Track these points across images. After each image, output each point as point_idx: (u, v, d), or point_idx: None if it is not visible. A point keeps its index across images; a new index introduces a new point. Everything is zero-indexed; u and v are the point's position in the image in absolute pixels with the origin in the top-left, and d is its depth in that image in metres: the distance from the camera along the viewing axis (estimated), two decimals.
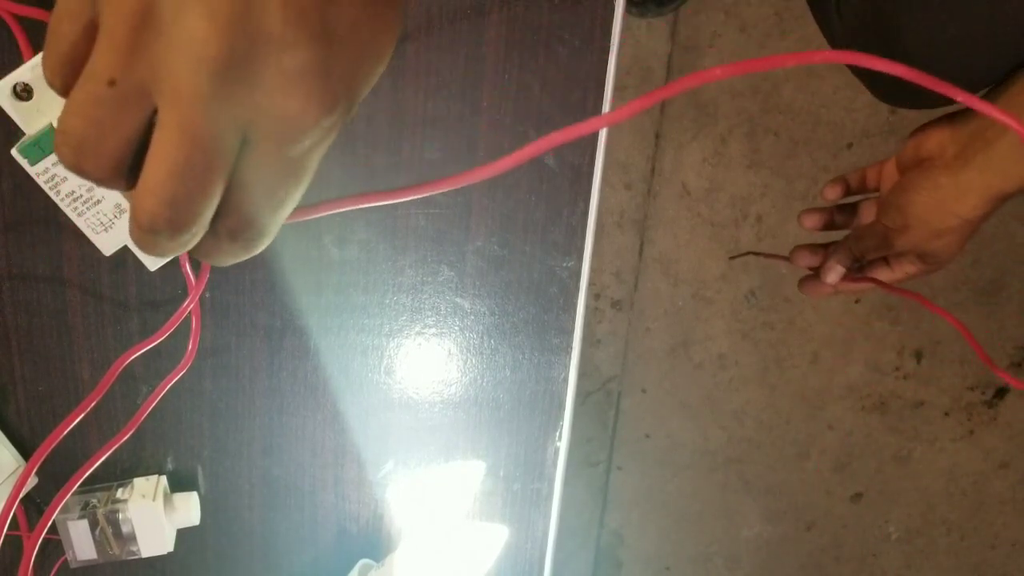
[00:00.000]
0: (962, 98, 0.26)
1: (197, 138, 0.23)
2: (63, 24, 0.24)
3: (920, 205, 0.58)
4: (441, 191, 0.32)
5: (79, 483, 0.45)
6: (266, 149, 0.24)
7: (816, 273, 0.66)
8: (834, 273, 0.64)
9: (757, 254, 0.78)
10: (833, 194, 0.70)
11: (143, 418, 0.48)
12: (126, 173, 0.24)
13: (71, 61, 0.24)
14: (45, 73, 0.24)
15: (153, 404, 0.48)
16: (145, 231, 0.24)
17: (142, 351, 0.46)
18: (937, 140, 0.58)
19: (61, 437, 0.43)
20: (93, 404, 0.43)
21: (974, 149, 0.54)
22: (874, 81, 0.58)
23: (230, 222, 0.25)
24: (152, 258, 0.43)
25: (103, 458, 0.45)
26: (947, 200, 0.56)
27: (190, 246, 0.25)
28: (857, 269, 0.65)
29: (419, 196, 0.32)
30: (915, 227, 0.59)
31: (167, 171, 0.23)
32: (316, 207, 0.34)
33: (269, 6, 0.22)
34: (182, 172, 0.23)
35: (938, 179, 0.56)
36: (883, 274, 0.65)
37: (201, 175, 0.23)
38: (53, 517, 0.44)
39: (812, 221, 0.70)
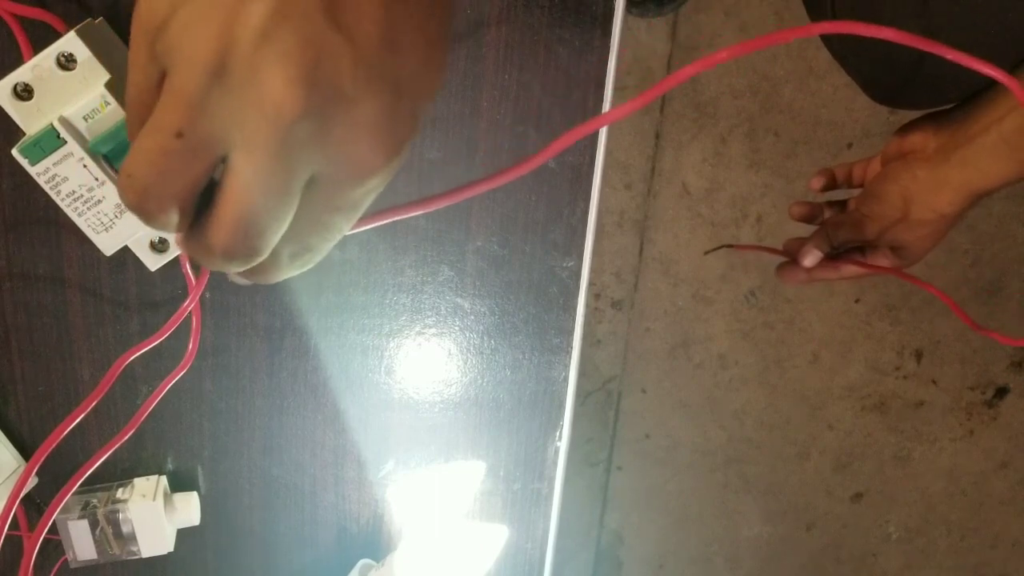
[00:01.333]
0: (952, 56, 0.27)
1: (270, 186, 0.24)
2: (133, 76, 0.25)
3: (897, 195, 0.58)
4: (473, 195, 0.32)
5: (79, 483, 0.45)
6: (333, 192, 0.26)
7: (794, 261, 0.67)
8: (810, 257, 0.64)
9: (732, 247, 0.78)
10: (818, 184, 0.70)
11: (143, 418, 0.48)
12: (189, 213, 0.26)
13: (139, 108, 0.25)
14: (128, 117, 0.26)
15: (153, 404, 0.48)
16: (218, 262, 0.26)
17: (142, 351, 0.46)
18: (920, 135, 0.58)
19: (61, 437, 0.43)
20: (93, 404, 0.43)
21: (955, 144, 0.54)
22: (868, 81, 0.58)
23: (292, 248, 0.27)
24: (152, 258, 0.43)
25: (103, 458, 0.45)
26: (924, 192, 0.57)
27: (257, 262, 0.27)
28: (833, 259, 0.65)
29: (452, 203, 0.32)
30: (890, 217, 0.60)
31: (239, 215, 0.24)
32: (362, 221, 0.34)
33: (342, 65, 0.23)
34: (254, 217, 0.24)
35: (917, 171, 0.57)
36: (856, 267, 0.65)
37: (272, 217, 0.25)
38: (53, 517, 0.44)
39: (799, 211, 0.70)
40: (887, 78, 0.55)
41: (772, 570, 1.75)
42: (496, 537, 0.57)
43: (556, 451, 0.55)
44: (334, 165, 0.25)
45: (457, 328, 0.52)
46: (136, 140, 0.24)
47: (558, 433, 0.55)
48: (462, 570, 0.58)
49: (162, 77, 0.24)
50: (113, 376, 0.44)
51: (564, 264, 0.50)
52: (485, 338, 0.52)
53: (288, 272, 0.29)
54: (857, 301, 1.52)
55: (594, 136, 0.47)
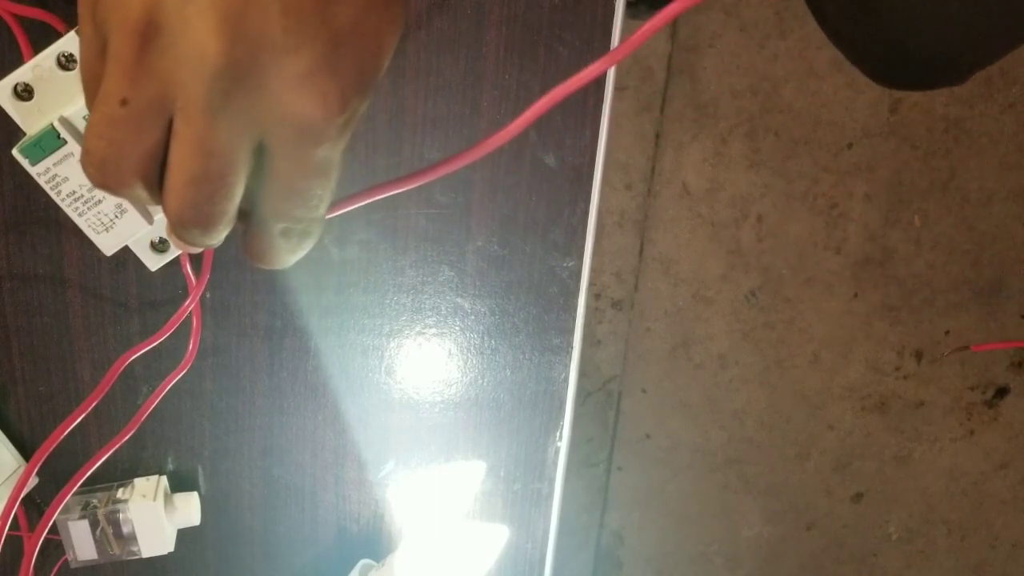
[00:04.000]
0: None
1: (211, 148, 0.23)
2: (82, 51, 0.24)
3: None
4: (454, 169, 0.32)
5: (79, 483, 0.45)
6: (287, 152, 0.25)
7: None
8: None
9: None
10: None
11: (143, 418, 0.48)
12: (153, 184, 0.25)
13: (92, 83, 0.25)
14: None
15: (154, 404, 0.48)
16: (175, 229, 0.25)
17: (142, 351, 0.46)
18: None
19: (61, 437, 0.43)
20: (94, 404, 0.43)
21: None
22: (867, 61, 0.57)
23: (280, 224, 0.27)
24: (153, 257, 0.43)
25: (104, 458, 0.45)
26: None
27: (223, 235, 0.27)
28: None
29: (432, 179, 0.32)
30: None
31: (185, 180, 0.24)
32: (347, 200, 0.34)
33: (269, 14, 0.22)
34: (199, 180, 0.24)
35: None
36: None
37: (218, 181, 0.24)
38: (54, 518, 0.44)
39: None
40: (884, 55, 0.55)
41: (772, 570, 1.75)
42: (496, 537, 0.57)
43: (556, 451, 0.55)
44: (276, 123, 0.24)
45: (457, 328, 0.52)
46: (90, 115, 0.24)
47: (558, 433, 0.55)
48: (462, 570, 0.58)
49: (104, 48, 0.24)
50: (113, 376, 0.44)
51: (564, 264, 0.50)
52: (485, 338, 0.52)
53: (289, 252, 0.28)
54: (856, 296, 1.52)
55: (594, 136, 0.47)
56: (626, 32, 0.46)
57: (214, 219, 0.25)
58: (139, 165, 0.25)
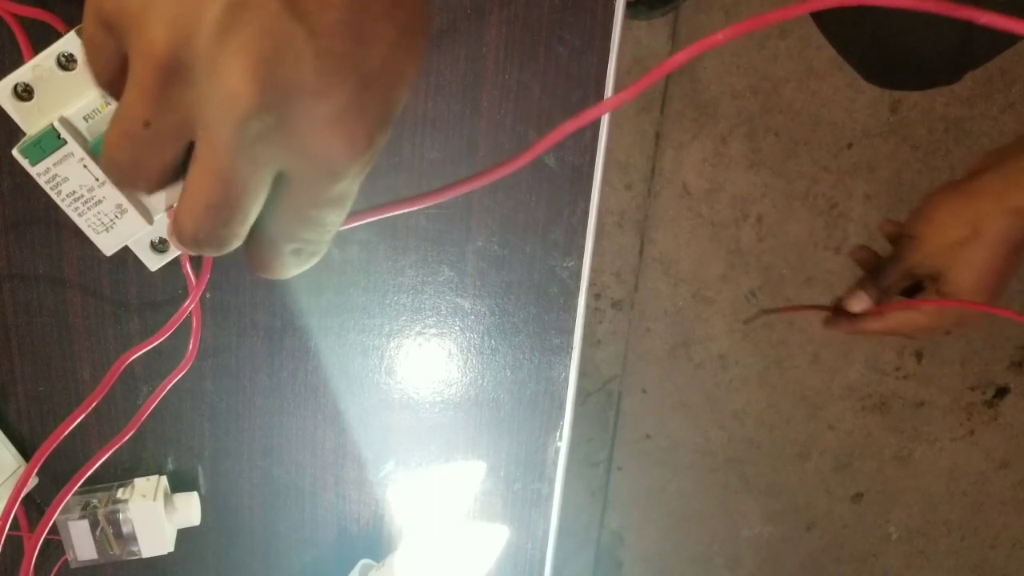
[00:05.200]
0: (987, 20, 0.25)
1: (232, 179, 0.24)
2: (93, 59, 0.25)
3: (935, 207, 0.58)
4: (470, 190, 0.32)
5: (79, 483, 0.45)
6: (307, 186, 0.25)
7: (840, 309, 0.64)
8: (856, 300, 0.62)
9: (770, 312, 0.74)
10: (889, 228, 0.67)
11: (143, 418, 0.48)
12: (169, 183, 0.26)
13: (110, 88, 0.25)
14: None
15: (154, 404, 0.48)
16: (186, 245, 0.26)
17: (142, 351, 0.46)
18: (979, 161, 0.57)
19: (61, 437, 0.43)
20: (94, 404, 0.43)
21: (999, 159, 0.54)
22: (861, 61, 0.57)
23: (290, 245, 0.27)
24: (153, 258, 0.43)
25: (104, 458, 0.45)
26: (961, 202, 0.56)
27: (231, 248, 0.27)
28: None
29: (447, 198, 0.32)
30: (931, 236, 0.58)
31: (204, 206, 0.24)
32: (357, 215, 0.34)
33: (303, 57, 0.22)
34: (218, 207, 0.24)
35: (959, 183, 0.56)
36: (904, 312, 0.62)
37: (236, 209, 0.25)
38: (54, 518, 0.44)
39: (860, 255, 0.68)
40: (878, 54, 0.55)
41: (772, 570, 1.75)
42: (496, 537, 0.57)
43: (556, 451, 0.55)
44: (300, 160, 0.24)
45: (457, 328, 0.52)
46: (110, 125, 0.24)
47: (558, 433, 0.55)
48: (462, 570, 0.58)
49: (124, 59, 0.23)
50: (114, 376, 0.44)
51: (564, 264, 0.50)
52: (485, 338, 0.52)
53: (295, 267, 0.29)
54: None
55: (594, 136, 0.47)
56: (626, 32, 0.46)
57: (227, 241, 0.26)
58: (158, 176, 0.25)
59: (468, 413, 0.54)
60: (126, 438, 0.47)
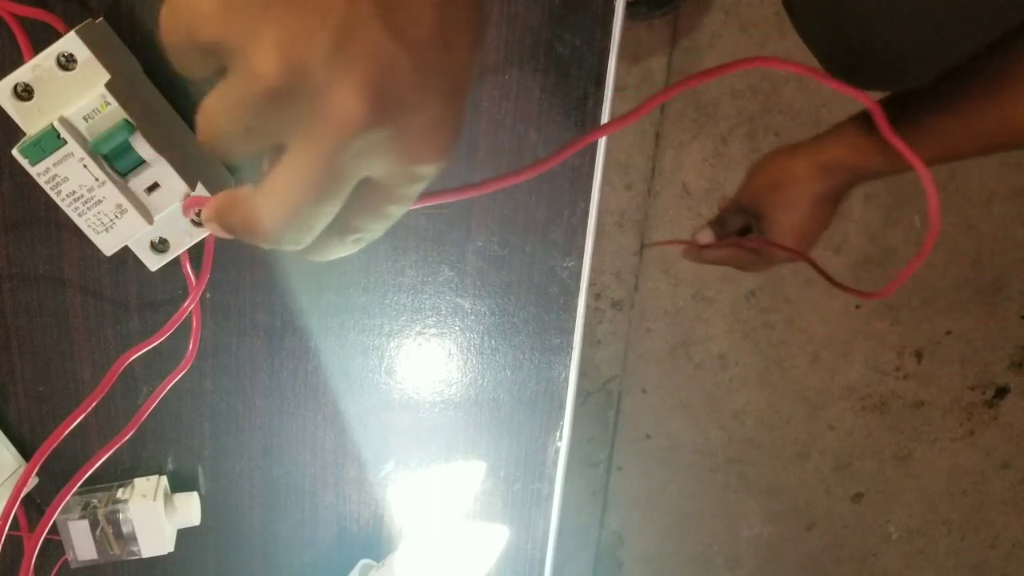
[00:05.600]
0: (828, 83, 0.31)
1: (324, 190, 0.25)
2: (184, 68, 0.25)
3: (763, 161, 0.69)
4: (469, 197, 0.33)
5: (79, 483, 0.45)
6: (390, 189, 0.26)
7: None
8: (702, 234, 0.75)
9: (655, 244, 0.82)
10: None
11: (143, 418, 0.48)
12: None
13: (194, 81, 0.25)
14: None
15: (154, 404, 0.48)
16: (261, 243, 0.27)
17: (142, 351, 0.46)
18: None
19: (62, 437, 0.43)
20: (93, 404, 0.43)
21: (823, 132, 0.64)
22: (832, 59, 0.57)
23: (352, 235, 0.28)
24: (153, 258, 0.43)
25: (103, 458, 0.45)
26: (783, 158, 0.67)
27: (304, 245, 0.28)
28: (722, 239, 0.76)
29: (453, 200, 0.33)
30: (755, 181, 0.69)
31: (290, 208, 0.25)
32: None
33: (403, 74, 0.23)
34: (304, 211, 0.25)
35: (783, 147, 0.68)
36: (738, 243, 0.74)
37: (320, 214, 0.25)
38: (54, 517, 0.44)
39: (721, 203, 0.79)
40: (845, 55, 0.55)
41: (772, 570, 1.75)
42: (496, 537, 0.57)
43: (556, 451, 0.55)
44: (392, 166, 0.25)
45: (457, 328, 0.52)
46: (208, 110, 0.24)
47: (558, 433, 0.55)
48: (462, 570, 0.58)
49: (220, 66, 0.24)
50: (113, 376, 0.44)
51: (564, 264, 0.50)
52: (485, 338, 0.52)
53: (347, 252, 0.30)
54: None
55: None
56: (626, 32, 0.46)
57: (304, 240, 0.26)
58: (249, 155, 0.26)
59: (468, 413, 0.54)
60: (126, 438, 0.47)
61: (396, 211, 0.28)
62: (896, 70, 0.53)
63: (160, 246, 0.43)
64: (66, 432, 0.43)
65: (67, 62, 0.37)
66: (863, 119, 0.63)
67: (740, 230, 0.75)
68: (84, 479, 0.44)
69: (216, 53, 0.23)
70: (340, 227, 0.28)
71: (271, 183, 0.25)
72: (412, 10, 0.23)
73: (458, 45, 0.24)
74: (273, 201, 0.25)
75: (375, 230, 0.28)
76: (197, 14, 0.22)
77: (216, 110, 0.24)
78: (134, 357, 0.46)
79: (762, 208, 0.69)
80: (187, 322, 0.48)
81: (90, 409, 0.43)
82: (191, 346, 0.48)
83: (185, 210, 0.40)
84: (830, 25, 0.54)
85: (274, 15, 0.22)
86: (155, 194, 0.40)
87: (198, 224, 0.42)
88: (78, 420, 0.43)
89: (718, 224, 0.75)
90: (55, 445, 0.42)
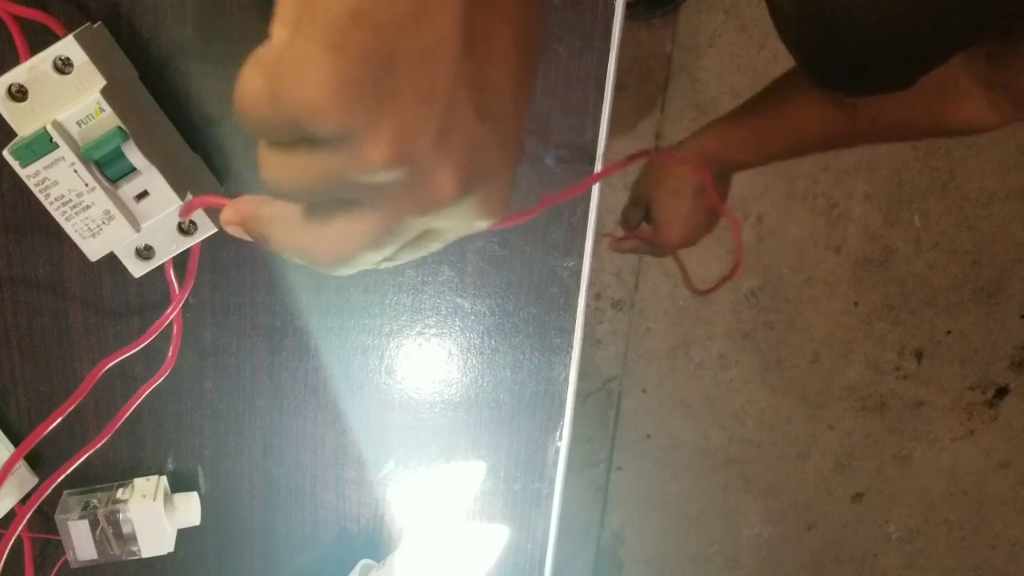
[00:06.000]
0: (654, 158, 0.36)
1: (394, 240, 0.26)
2: (267, 134, 0.25)
3: (644, 170, 0.78)
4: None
5: (52, 487, 0.44)
6: (444, 236, 0.28)
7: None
8: (617, 229, 0.84)
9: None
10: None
11: (118, 424, 0.48)
12: None
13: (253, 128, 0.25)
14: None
15: (130, 410, 0.48)
16: (315, 268, 0.28)
17: (118, 360, 0.46)
18: None
19: (37, 441, 0.43)
20: (70, 409, 0.43)
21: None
22: (810, 66, 0.58)
23: (391, 262, 0.29)
24: (137, 264, 0.43)
25: (78, 463, 0.46)
26: (662, 150, 0.75)
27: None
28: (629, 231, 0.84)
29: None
30: (647, 179, 0.77)
31: (353, 247, 0.26)
32: None
33: (492, 153, 0.25)
34: (357, 256, 0.26)
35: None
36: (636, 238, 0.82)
37: (371, 259, 0.27)
38: (28, 517, 0.44)
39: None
40: (827, 62, 0.56)
41: (772, 570, 1.75)
42: (496, 537, 0.57)
43: (556, 451, 0.55)
44: (456, 224, 0.27)
45: (457, 328, 0.52)
46: (295, 169, 0.25)
47: (558, 433, 0.55)
48: (462, 570, 0.58)
49: (304, 137, 0.24)
50: (91, 383, 0.44)
51: (564, 264, 0.50)
52: (485, 338, 0.52)
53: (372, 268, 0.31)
54: (856, 305, 1.52)
55: (594, 136, 0.47)
56: (626, 32, 0.46)
57: (347, 273, 0.28)
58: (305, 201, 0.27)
59: (468, 413, 0.54)
60: (99, 444, 0.47)
61: (438, 248, 0.29)
62: (875, 76, 0.54)
63: (145, 253, 0.43)
64: (46, 432, 0.43)
65: (63, 65, 0.37)
66: (733, 115, 0.72)
67: (642, 221, 0.84)
68: (80, 481, 0.44)
69: (315, 134, 0.23)
70: (392, 257, 0.29)
71: (337, 227, 0.26)
72: (498, 88, 0.25)
73: (527, 111, 0.26)
74: (335, 242, 0.26)
75: (411, 260, 0.30)
76: (311, 107, 0.22)
77: (303, 171, 0.25)
78: (118, 360, 0.46)
79: (650, 200, 0.77)
80: (187, 323, 0.48)
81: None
82: (171, 352, 0.48)
83: (188, 210, 0.40)
84: (812, 32, 0.54)
85: (388, 108, 0.22)
86: (144, 202, 0.40)
87: (186, 232, 0.42)
88: (55, 423, 0.43)
89: (624, 218, 0.83)
90: (28, 451, 0.42)
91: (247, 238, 0.30)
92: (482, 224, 0.27)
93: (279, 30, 0.22)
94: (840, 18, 0.51)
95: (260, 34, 0.23)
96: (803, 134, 0.70)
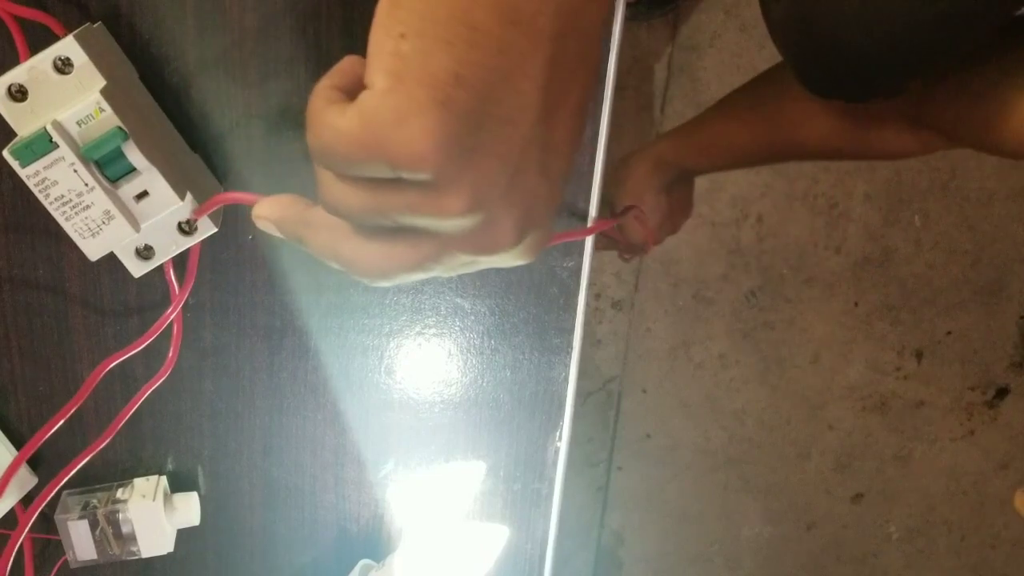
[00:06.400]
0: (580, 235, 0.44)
1: (432, 268, 0.28)
2: (353, 173, 0.26)
3: (616, 163, 0.79)
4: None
5: (56, 489, 0.44)
6: (480, 267, 0.29)
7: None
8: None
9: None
10: None
11: (120, 426, 0.48)
12: None
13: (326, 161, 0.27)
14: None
15: (131, 412, 0.48)
16: (344, 271, 0.29)
17: (120, 360, 0.46)
18: None
19: (39, 443, 0.43)
20: (72, 411, 0.43)
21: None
22: (804, 73, 0.58)
23: (421, 280, 0.32)
24: (137, 264, 0.43)
25: (79, 466, 0.46)
26: (626, 156, 0.78)
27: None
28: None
29: None
30: (611, 182, 0.78)
31: (401, 266, 0.28)
32: None
33: (549, 205, 0.28)
34: (404, 273, 0.28)
35: (632, 150, 0.79)
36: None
37: (414, 277, 0.28)
38: (32, 518, 0.44)
39: None
40: (820, 69, 0.56)
41: (772, 570, 1.75)
42: (496, 537, 0.57)
43: (556, 451, 0.55)
44: (498, 261, 0.29)
45: (457, 328, 0.52)
46: (367, 202, 0.26)
47: (558, 433, 0.55)
48: (462, 570, 0.58)
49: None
50: (93, 383, 0.44)
51: (564, 264, 0.50)
52: (485, 338, 0.52)
53: None
54: (856, 305, 1.52)
55: (594, 136, 0.47)
56: (626, 32, 0.46)
57: (392, 285, 0.29)
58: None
59: (468, 413, 0.54)
60: (101, 446, 0.47)
61: (470, 271, 0.31)
62: (865, 82, 0.54)
63: (145, 253, 0.43)
64: (49, 434, 0.43)
65: (63, 66, 0.37)
66: (688, 124, 0.77)
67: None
68: (81, 482, 0.44)
69: (407, 178, 0.25)
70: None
71: (387, 248, 0.27)
72: (559, 150, 0.27)
73: (571, 169, 0.29)
74: (382, 260, 0.28)
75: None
76: (415, 154, 0.23)
77: (372, 201, 0.26)
78: (114, 364, 0.46)
79: (615, 203, 0.80)
80: (188, 323, 0.48)
81: (74, 411, 0.43)
82: (171, 352, 0.48)
83: (209, 206, 0.40)
84: (803, 38, 0.54)
85: (474, 161, 0.24)
86: (144, 202, 0.40)
87: (186, 232, 0.42)
88: (57, 425, 0.43)
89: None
90: (31, 452, 0.42)
91: (276, 234, 0.31)
92: (518, 263, 0.29)
93: (380, 79, 0.23)
94: (829, 23, 0.51)
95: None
96: (734, 151, 0.75)
